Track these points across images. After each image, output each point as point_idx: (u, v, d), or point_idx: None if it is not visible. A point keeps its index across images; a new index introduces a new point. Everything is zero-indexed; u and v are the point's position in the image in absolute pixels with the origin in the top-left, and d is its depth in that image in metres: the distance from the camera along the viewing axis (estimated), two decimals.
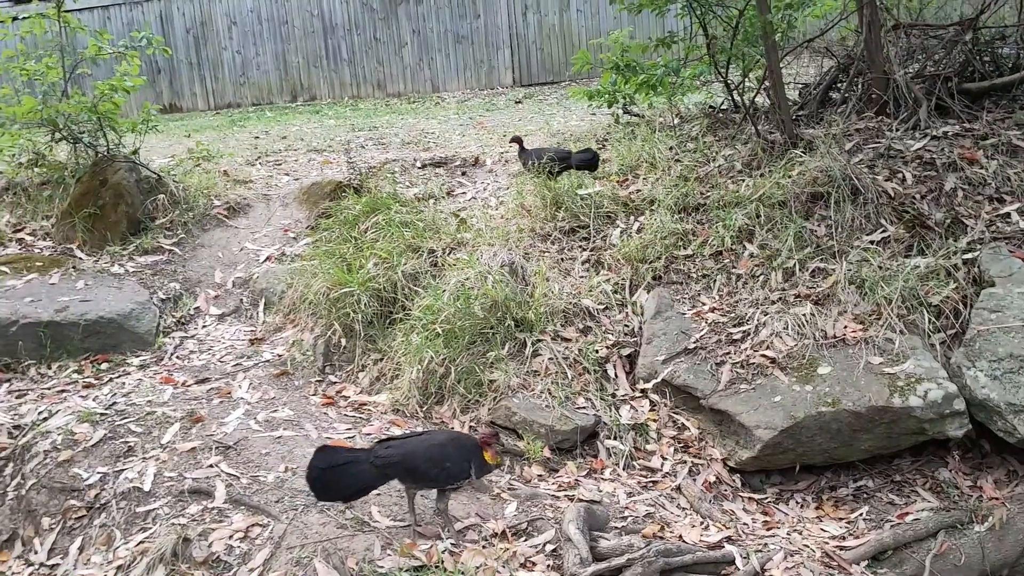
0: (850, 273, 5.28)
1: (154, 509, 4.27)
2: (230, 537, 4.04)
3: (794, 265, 5.50)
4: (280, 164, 9.06)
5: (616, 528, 4.30)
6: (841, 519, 4.63)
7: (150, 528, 4.17)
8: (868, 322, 5.02)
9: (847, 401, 4.64)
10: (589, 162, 7.05)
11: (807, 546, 4.27)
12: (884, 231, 5.53)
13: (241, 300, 6.63)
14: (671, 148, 7.05)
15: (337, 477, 4.05)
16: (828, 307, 5.19)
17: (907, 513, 4.56)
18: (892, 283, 5.09)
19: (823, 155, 5.94)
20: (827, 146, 6.03)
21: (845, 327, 5.02)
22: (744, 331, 5.23)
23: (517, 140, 7.33)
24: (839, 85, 7.20)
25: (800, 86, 7.75)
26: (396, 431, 4.96)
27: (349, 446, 4.48)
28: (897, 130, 6.28)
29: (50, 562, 4.23)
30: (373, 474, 4.05)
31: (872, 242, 5.48)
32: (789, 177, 5.95)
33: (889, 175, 5.88)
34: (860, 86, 6.96)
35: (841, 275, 5.26)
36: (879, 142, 6.19)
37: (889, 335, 4.91)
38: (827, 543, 4.32)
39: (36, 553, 4.30)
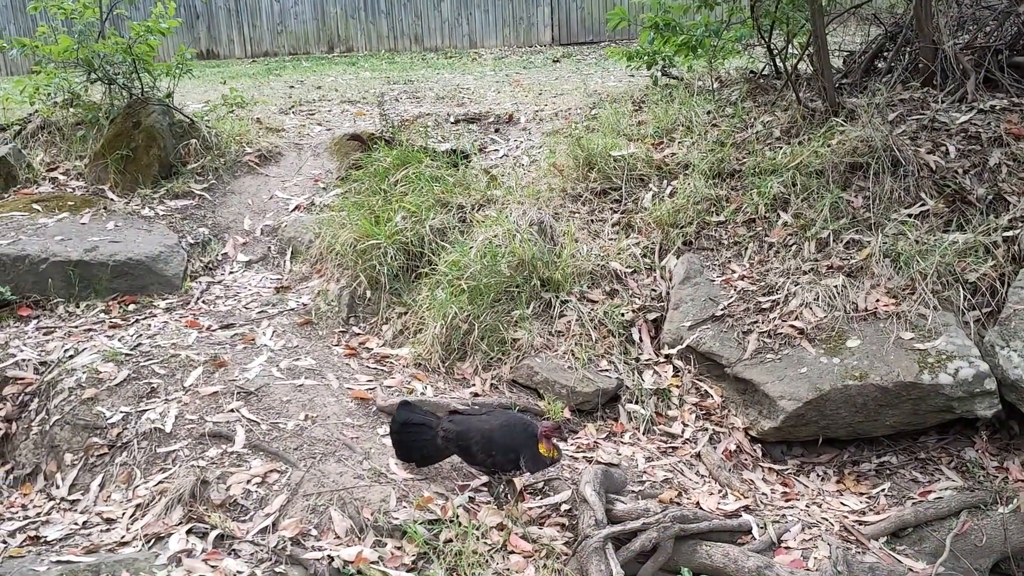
0: (885, 246, 5.16)
1: (174, 450, 4.30)
2: (248, 482, 4.06)
3: (828, 236, 5.39)
4: (313, 114, 9.03)
5: (633, 492, 4.28)
6: (862, 494, 4.57)
7: (170, 469, 4.21)
8: (901, 296, 4.92)
9: (875, 375, 4.56)
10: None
11: (825, 519, 4.22)
12: (923, 205, 5.39)
13: (269, 248, 6.64)
14: (708, 112, 6.92)
15: (410, 436, 4.17)
16: (861, 280, 5.08)
17: (930, 491, 4.49)
18: (928, 258, 4.97)
19: (865, 125, 5.79)
20: (869, 116, 5.88)
21: (877, 301, 4.92)
22: (773, 300, 5.14)
23: (358, 138, 7.15)
24: (885, 54, 7.01)
25: (845, 54, 7.56)
26: (417, 385, 4.96)
27: (428, 409, 4.44)
28: (943, 102, 6.11)
29: (71, 497, 4.28)
30: (439, 444, 4.12)
31: (910, 215, 5.35)
32: (828, 146, 5.81)
33: (932, 148, 5.72)
34: (907, 55, 6.76)
35: (876, 248, 5.15)
36: (923, 114, 6.03)
37: (922, 311, 4.81)
38: (846, 517, 4.27)
39: (58, 488, 4.36)
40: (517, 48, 14.57)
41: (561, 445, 4.57)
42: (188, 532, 3.80)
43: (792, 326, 4.94)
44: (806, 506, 4.37)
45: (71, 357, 5.04)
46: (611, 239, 5.89)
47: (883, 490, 4.57)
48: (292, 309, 5.80)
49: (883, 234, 5.24)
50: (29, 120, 8.18)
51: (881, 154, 5.55)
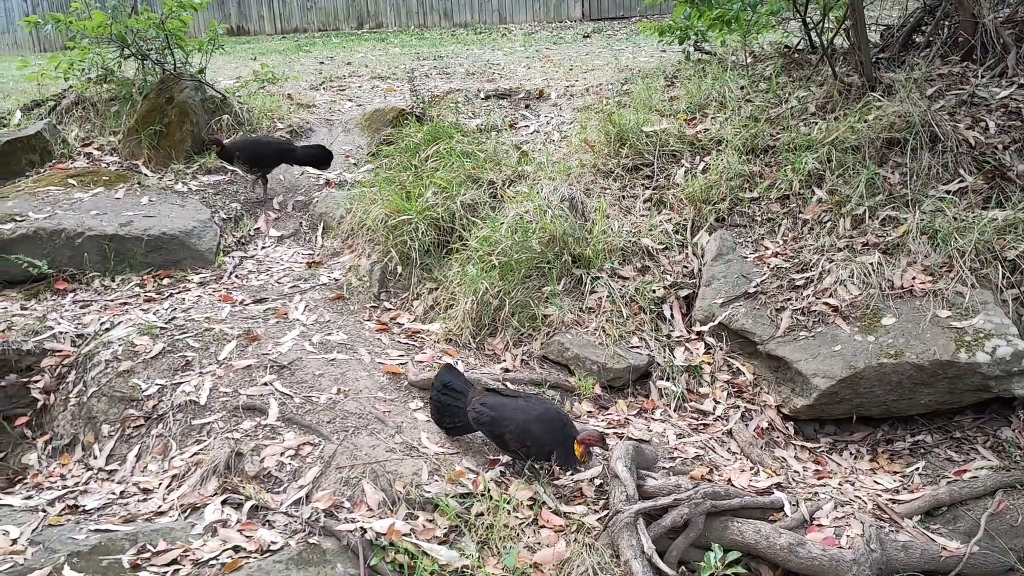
0: (922, 223, 5.08)
1: (209, 423, 4.35)
2: (282, 454, 4.10)
3: (864, 212, 5.32)
4: (344, 90, 9.03)
5: (664, 468, 4.27)
6: (896, 473, 4.53)
7: (205, 441, 4.26)
8: (938, 274, 4.85)
9: (910, 353, 4.51)
10: (316, 158, 6.79)
11: (859, 497, 4.19)
12: (962, 181, 5.31)
13: (300, 223, 6.67)
14: (742, 88, 6.84)
15: (447, 400, 4.21)
16: (897, 257, 5.02)
17: (965, 470, 4.44)
18: (966, 235, 4.90)
19: (902, 100, 5.70)
20: (907, 91, 5.78)
21: (913, 278, 4.85)
22: (807, 278, 5.09)
23: (216, 142, 6.75)
24: (924, 28, 6.88)
25: (882, 28, 7.43)
26: (448, 360, 4.97)
27: (466, 378, 4.44)
28: (982, 77, 6.00)
29: (108, 467, 4.34)
30: (468, 422, 4.15)
31: (948, 192, 5.27)
32: (865, 121, 5.73)
33: (971, 123, 5.62)
34: (946, 30, 6.64)
35: (913, 224, 5.08)
36: (962, 89, 5.92)
37: (959, 288, 4.74)
38: (879, 496, 4.24)
39: (95, 458, 4.42)
40: (547, 23, 14.46)
41: (591, 423, 4.58)
42: (223, 503, 3.86)
43: (826, 303, 4.89)
44: (839, 484, 4.34)
45: (107, 330, 5.10)
46: (643, 215, 5.85)
47: (917, 469, 4.53)
48: (324, 284, 5.83)
49: (920, 211, 5.17)
50: (64, 96, 8.26)
51: (919, 129, 5.47)
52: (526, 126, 7.52)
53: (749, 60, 7.44)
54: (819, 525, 3.92)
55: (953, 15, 6.44)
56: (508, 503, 3.85)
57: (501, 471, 4.13)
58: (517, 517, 3.83)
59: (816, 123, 5.99)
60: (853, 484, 4.36)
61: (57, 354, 5.01)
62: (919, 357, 4.49)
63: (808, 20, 7.03)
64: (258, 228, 6.64)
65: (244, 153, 6.65)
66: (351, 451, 4.06)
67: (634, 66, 8.95)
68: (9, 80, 10.51)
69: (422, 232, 5.75)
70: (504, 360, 5.07)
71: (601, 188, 6.06)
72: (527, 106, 7.99)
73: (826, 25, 7.00)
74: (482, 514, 3.80)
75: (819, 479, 4.40)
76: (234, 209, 6.75)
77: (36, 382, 4.93)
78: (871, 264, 4.97)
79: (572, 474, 4.17)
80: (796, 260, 5.26)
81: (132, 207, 6.38)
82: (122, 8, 7.57)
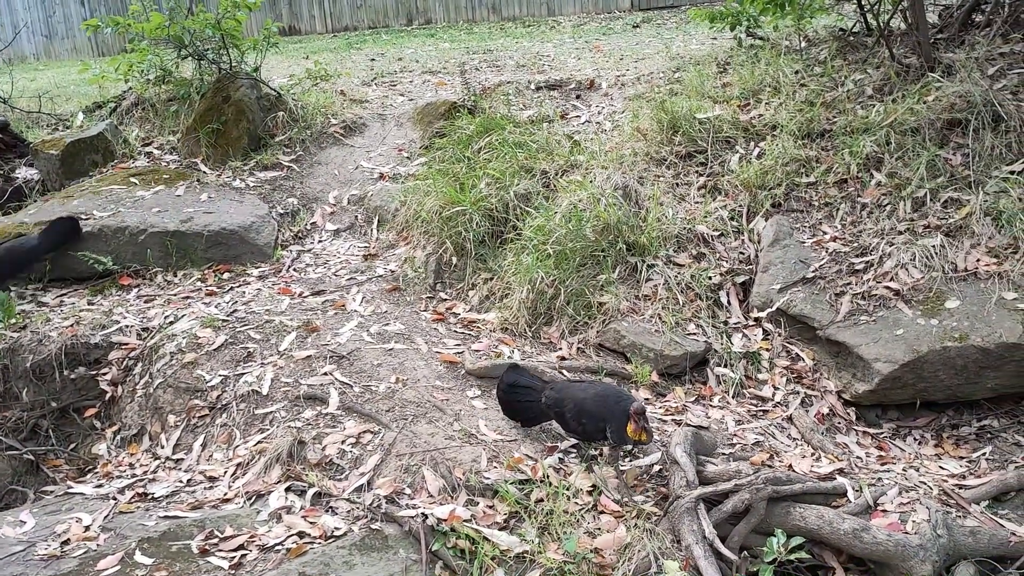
0: (986, 204, 4.97)
1: (271, 412, 4.43)
2: (342, 442, 4.16)
3: (925, 195, 5.22)
4: (395, 85, 9.10)
5: (724, 454, 4.25)
6: (962, 458, 4.44)
7: (267, 430, 4.34)
8: (1003, 256, 4.74)
9: (975, 337, 4.42)
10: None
11: (924, 483, 4.12)
12: None
13: (356, 217, 6.74)
14: (796, 72, 6.74)
15: (516, 397, 4.29)
16: (960, 239, 4.92)
17: None
18: None
19: (963, 80, 5.58)
20: (968, 71, 5.66)
21: (978, 260, 4.75)
22: (867, 261, 5.02)
23: None
24: (983, 7, 6.71)
25: (940, 8, 7.27)
26: (505, 349, 5.00)
27: (535, 373, 4.55)
28: None
29: (175, 456, 4.45)
30: (541, 409, 4.23)
31: (1012, 172, 5.14)
32: (924, 103, 5.62)
33: None
34: (1007, 8, 6.47)
35: (976, 206, 4.97)
36: None
37: None
38: (945, 481, 4.16)
39: (162, 448, 4.53)
40: (596, 15, 14.40)
41: (649, 410, 4.56)
42: (287, 490, 3.93)
43: (887, 287, 4.82)
44: (903, 470, 4.27)
45: (171, 323, 5.21)
46: (697, 202, 5.81)
47: (984, 454, 4.44)
48: (380, 276, 5.89)
49: (984, 192, 5.05)
50: (124, 97, 8.46)
51: (981, 110, 5.35)
52: (578, 116, 7.51)
53: (803, 44, 7.34)
54: (883, 511, 3.86)
55: None
56: (568, 489, 3.86)
57: (559, 458, 4.15)
58: (577, 503, 3.83)
59: (873, 106, 5.89)
60: (918, 470, 4.29)
61: (124, 347, 5.14)
62: (985, 340, 4.40)
63: (864, 2, 6.91)
64: (314, 222, 6.73)
65: None
66: (410, 439, 4.10)
67: (685, 54, 8.88)
68: (70, 84, 10.78)
69: (476, 223, 5.78)
70: (560, 348, 5.08)
71: (655, 176, 6.03)
72: (578, 96, 7.98)
73: (882, 7, 6.87)
74: (542, 500, 3.82)
75: (882, 465, 4.34)
76: (291, 204, 6.85)
77: (104, 374, 5.07)
78: (933, 247, 4.88)
79: (626, 457, 4.17)
80: (855, 244, 5.18)
81: (192, 204, 6.50)
82: (179, 9, 7.71)
